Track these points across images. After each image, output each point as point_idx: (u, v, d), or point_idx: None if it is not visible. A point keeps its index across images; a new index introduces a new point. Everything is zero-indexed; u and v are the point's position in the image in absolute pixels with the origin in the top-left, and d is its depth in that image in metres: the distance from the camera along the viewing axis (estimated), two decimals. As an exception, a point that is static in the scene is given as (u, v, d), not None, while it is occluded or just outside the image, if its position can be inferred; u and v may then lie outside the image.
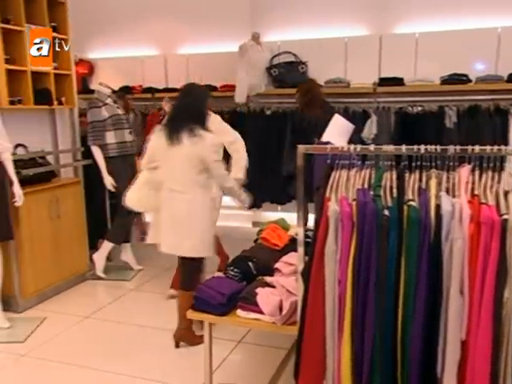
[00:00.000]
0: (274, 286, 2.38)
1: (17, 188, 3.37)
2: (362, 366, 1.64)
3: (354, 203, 1.64)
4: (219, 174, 2.98)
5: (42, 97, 3.82)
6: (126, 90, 5.76)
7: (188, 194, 2.93)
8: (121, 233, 4.47)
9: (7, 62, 3.52)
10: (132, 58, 6.34)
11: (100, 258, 4.42)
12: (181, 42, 6.32)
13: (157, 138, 2.98)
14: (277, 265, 2.50)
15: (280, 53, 5.44)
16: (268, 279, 2.42)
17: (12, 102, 3.56)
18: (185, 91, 3.14)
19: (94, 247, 4.51)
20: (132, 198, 3.12)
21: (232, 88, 5.62)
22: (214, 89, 5.97)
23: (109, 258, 4.52)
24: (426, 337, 1.57)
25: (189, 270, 3.10)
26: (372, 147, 1.76)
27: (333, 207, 1.64)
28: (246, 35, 5.48)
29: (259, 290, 2.35)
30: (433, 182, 1.68)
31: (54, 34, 3.93)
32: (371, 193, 1.68)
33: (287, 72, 5.29)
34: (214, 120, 3.39)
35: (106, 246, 4.43)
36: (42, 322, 3.55)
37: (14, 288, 3.65)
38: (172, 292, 3.78)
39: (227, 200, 3.45)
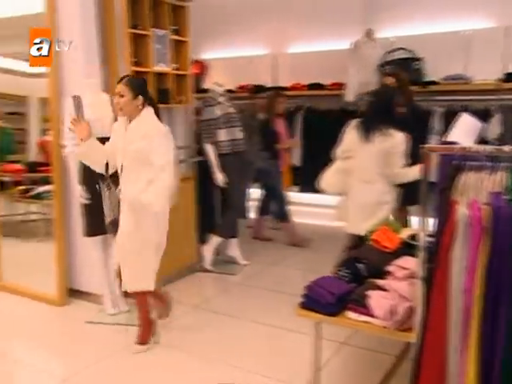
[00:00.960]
0: (385, 290, 2.30)
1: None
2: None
3: (485, 207, 1.53)
4: (395, 171, 3.20)
5: (162, 96, 4.05)
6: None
7: (375, 184, 3.26)
8: (229, 228, 4.62)
9: (134, 64, 3.79)
10: (242, 58, 6.50)
11: (208, 251, 4.60)
12: (290, 40, 6.36)
13: (351, 133, 3.33)
14: (389, 268, 2.41)
15: (393, 49, 5.26)
16: (380, 282, 2.35)
17: (137, 102, 3.81)
18: (376, 93, 3.50)
19: (203, 241, 4.69)
20: (325, 181, 3.45)
21: (341, 86, 5.55)
22: (322, 87, 5.94)
23: (217, 252, 4.68)
24: None
25: None
26: (507, 148, 1.62)
27: (462, 211, 1.53)
28: (358, 32, 5.37)
29: (371, 293, 2.29)
30: None
31: (175, 37, 4.17)
32: (505, 197, 1.55)
33: (400, 69, 5.09)
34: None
35: (215, 241, 4.60)
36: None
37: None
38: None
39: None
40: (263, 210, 5.49)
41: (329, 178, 3.43)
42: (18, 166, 4.77)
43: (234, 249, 4.75)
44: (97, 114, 3.38)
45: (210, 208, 4.60)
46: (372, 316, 2.24)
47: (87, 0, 3.60)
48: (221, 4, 6.50)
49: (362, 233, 3.23)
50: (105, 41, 3.70)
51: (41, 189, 4.95)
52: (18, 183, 4.76)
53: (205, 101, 4.54)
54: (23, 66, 4.68)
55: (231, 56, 6.67)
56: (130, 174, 2.89)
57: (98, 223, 3.43)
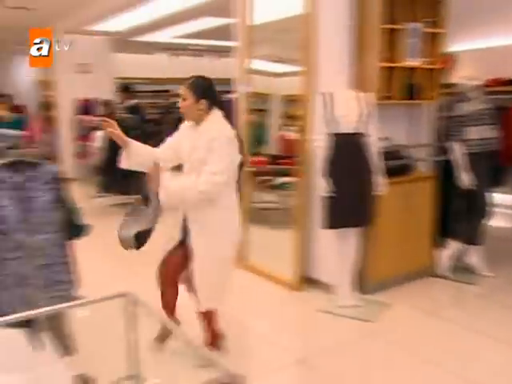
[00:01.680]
0: None
1: (381, 178, 3.58)
2: None
3: None
4: None
5: (408, 91, 3.93)
6: None
7: None
8: (471, 234, 4.26)
9: (384, 60, 3.74)
10: (493, 49, 5.90)
11: (446, 256, 4.32)
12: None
13: None
14: None
15: None
16: None
17: (384, 98, 3.77)
18: None
19: (440, 244, 4.41)
20: None
21: None
22: None
23: (455, 258, 4.36)
24: None
25: None
26: None
27: None
28: None
29: None
30: None
31: (430, 30, 3.96)
32: None
33: None
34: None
35: (454, 246, 4.30)
36: (389, 308, 3.69)
37: (365, 271, 3.92)
38: None
39: None
40: None
41: None
42: (262, 158, 5.21)
43: (475, 257, 4.35)
44: (344, 111, 3.47)
45: (451, 210, 4.30)
46: None
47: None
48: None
49: None
50: (356, 37, 3.76)
51: (281, 180, 5.36)
52: (257, 174, 5.16)
53: (452, 96, 4.25)
54: (270, 67, 5.13)
55: (481, 47, 6.10)
56: None
57: (340, 216, 3.52)
